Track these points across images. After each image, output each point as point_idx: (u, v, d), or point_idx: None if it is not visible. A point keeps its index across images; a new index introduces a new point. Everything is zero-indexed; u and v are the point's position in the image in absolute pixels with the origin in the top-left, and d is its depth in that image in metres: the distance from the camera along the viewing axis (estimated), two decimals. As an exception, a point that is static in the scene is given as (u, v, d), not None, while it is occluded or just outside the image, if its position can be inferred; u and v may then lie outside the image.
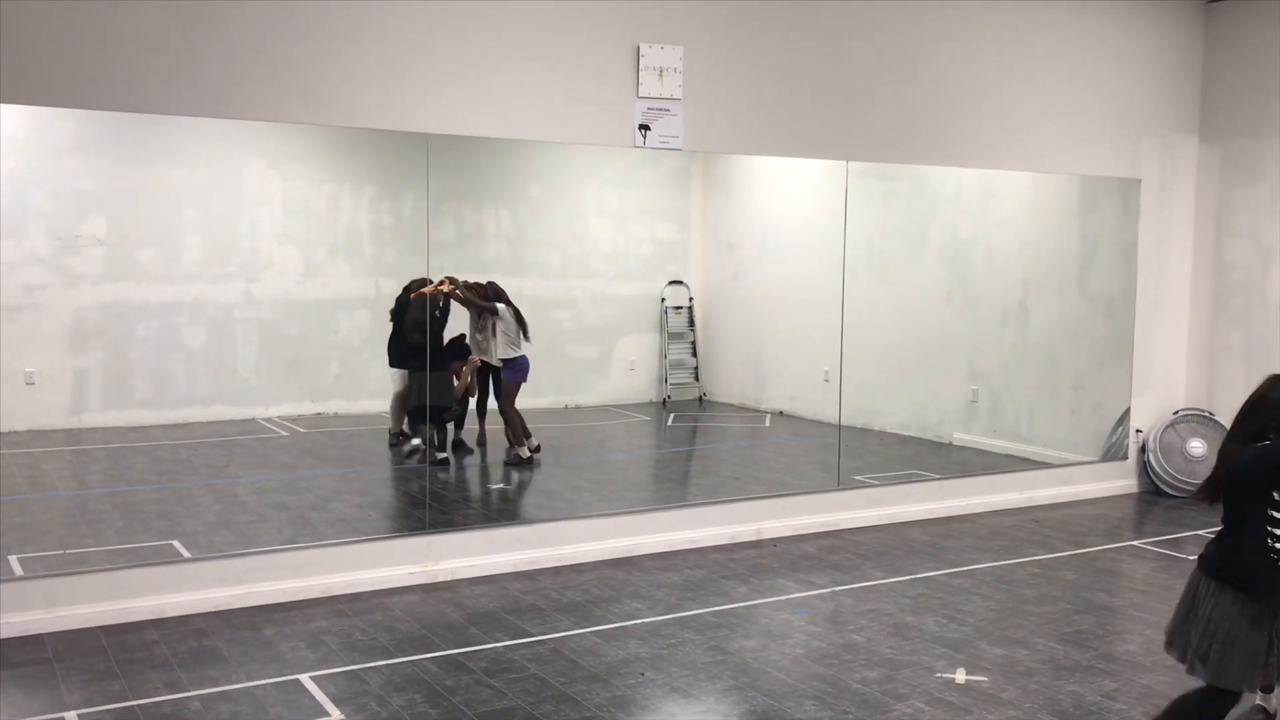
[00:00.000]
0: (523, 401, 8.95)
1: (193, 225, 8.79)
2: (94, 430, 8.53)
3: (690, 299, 10.47)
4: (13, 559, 6.20)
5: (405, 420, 8.55)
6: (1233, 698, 3.93)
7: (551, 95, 6.71)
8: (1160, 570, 7.00)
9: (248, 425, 8.98)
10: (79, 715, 4.63)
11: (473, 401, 8.88)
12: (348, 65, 6.14)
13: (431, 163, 6.82)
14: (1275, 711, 4.56)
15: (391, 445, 8.62)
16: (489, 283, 8.78)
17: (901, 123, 7.94)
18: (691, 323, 10.49)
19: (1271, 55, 8.76)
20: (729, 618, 5.96)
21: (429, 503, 7.38)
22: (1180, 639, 4.00)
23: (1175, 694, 4.90)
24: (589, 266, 10.21)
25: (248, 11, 5.88)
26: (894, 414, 9.83)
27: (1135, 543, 7.72)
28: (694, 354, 10.55)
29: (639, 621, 5.87)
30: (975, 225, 9.74)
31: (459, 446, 8.95)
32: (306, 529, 7.33)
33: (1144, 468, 9.26)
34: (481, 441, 8.88)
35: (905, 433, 9.85)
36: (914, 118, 7.98)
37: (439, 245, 8.44)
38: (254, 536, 6.92)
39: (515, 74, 6.58)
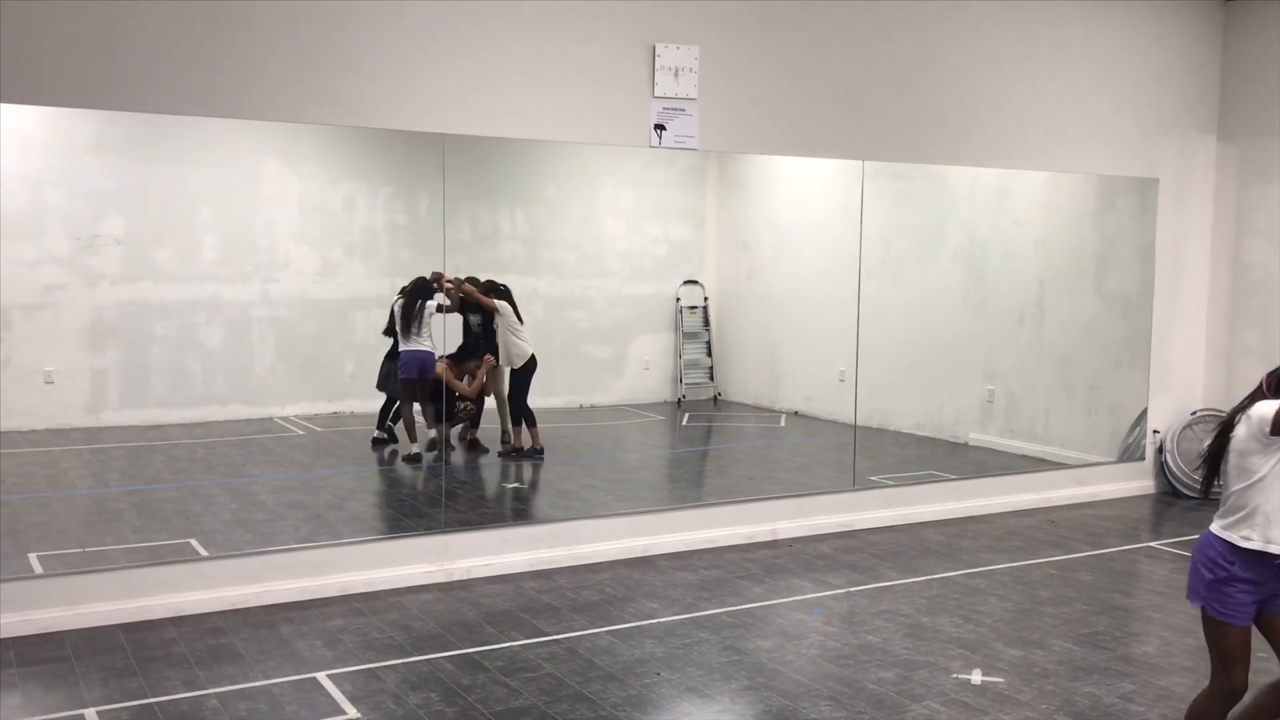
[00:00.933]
0: (537, 401, 8.98)
1: (210, 225, 8.84)
2: (112, 429, 8.58)
3: (705, 298, 10.48)
4: (32, 556, 6.24)
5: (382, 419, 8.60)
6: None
7: (567, 95, 6.72)
8: (1177, 571, 6.96)
9: (264, 424, 9.02)
10: (98, 712, 4.66)
11: (490, 402, 8.89)
12: (364, 66, 6.16)
13: (447, 163, 6.84)
14: None
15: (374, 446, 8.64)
16: (487, 281, 8.75)
17: (917, 122, 7.92)
18: (706, 322, 10.49)
19: (1290, 54, 8.71)
20: (744, 618, 5.96)
21: (445, 502, 7.40)
22: None
23: (1192, 695, 4.89)
24: (604, 266, 10.22)
25: (264, 12, 5.90)
26: (909, 414, 9.81)
27: (1152, 544, 7.69)
28: (709, 354, 10.55)
29: (654, 621, 5.88)
30: (991, 225, 9.72)
31: (474, 445, 8.97)
32: (323, 528, 7.36)
33: (1161, 468, 9.22)
34: (505, 441, 8.89)
35: (921, 433, 9.83)
36: (929, 117, 7.96)
37: (454, 245, 8.45)
38: (271, 535, 6.95)
39: (531, 74, 6.59)
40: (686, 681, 5.07)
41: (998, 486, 8.64)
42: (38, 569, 6.07)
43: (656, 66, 6.91)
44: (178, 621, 5.76)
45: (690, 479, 9.55)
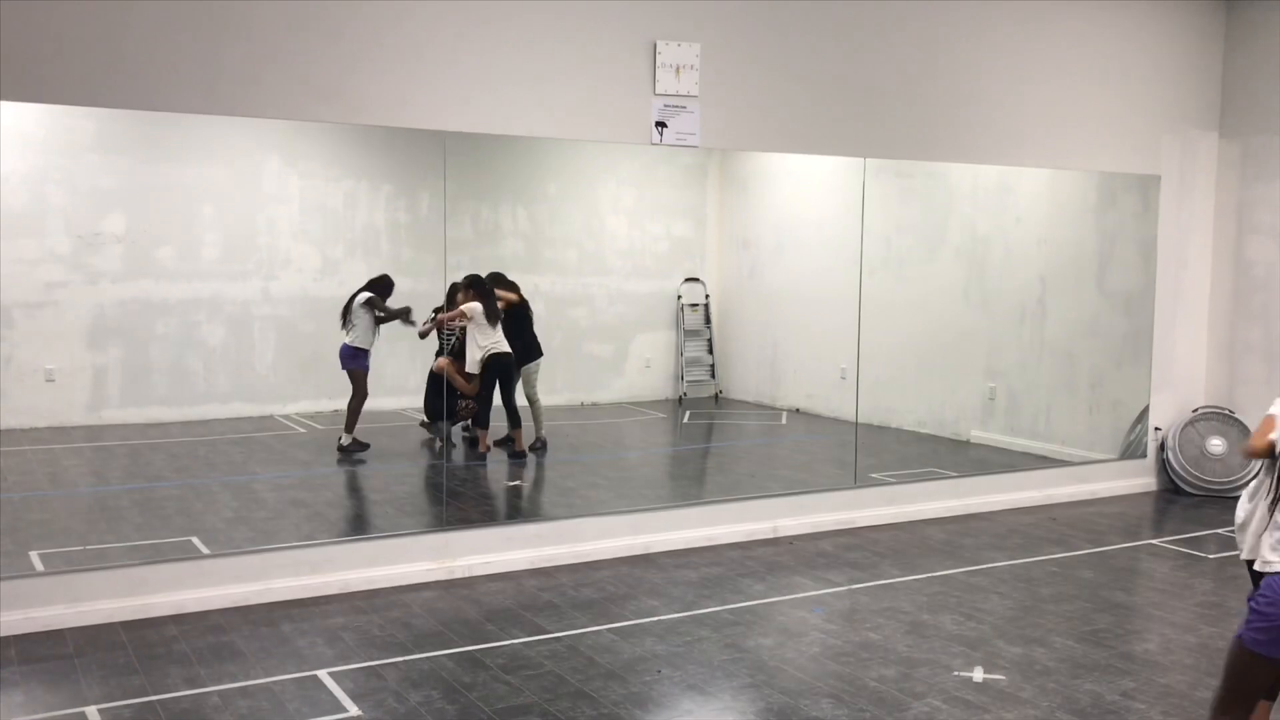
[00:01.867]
0: (540, 397, 8.98)
1: (211, 223, 8.84)
2: (113, 427, 8.59)
3: (706, 296, 10.48)
4: (34, 554, 6.24)
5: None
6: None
7: (568, 93, 6.71)
8: (1179, 569, 6.96)
9: (266, 422, 9.03)
10: (99, 710, 4.66)
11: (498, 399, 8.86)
12: (365, 64, 6.15)
13: (448, 161, 6.84)
14: None
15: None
16: (492, 274, 8.73)
17: (919, 119, 7.92)
18: (708, 320, 10.49)
19: (1292, 50, 8.70)
20: (745, 615, 5.96)
21: (446, 500, 7.40)
22: None
23: (1193, 693, 4.89)
24: (605, 264, 10.23)
25: (266, 10, 5.89)
26: (911, 411, 9.81)
27: (1154, 541, 7.68)
28: (710, 351, 10.55)
29: (655, 619, 5.88)
30: (993, 222, 9.71)
31: (473, 444, 8.96)
32: (324, 525, 7.36)
33: (1163, 466, 9.21)
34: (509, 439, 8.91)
35: (922, 430, 9.83)
36: (931, 114, 7.95)
37: (456, 243, 8.46)
38: (272, 533, 6.95)
39: (532, 72, 6.58)
40: (688, 679, 5.07)
41: (999, 484, 8.63)
42: (39, 567, 6.07)
43: (658, 64, 6.90)
44: (179, 619, 5.76)
45: (691, 477, 9.55)
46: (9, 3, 5.33)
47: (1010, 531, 7.80)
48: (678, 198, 10.48)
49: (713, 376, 10.57)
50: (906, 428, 9.79)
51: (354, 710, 4.68)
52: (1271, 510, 3.63)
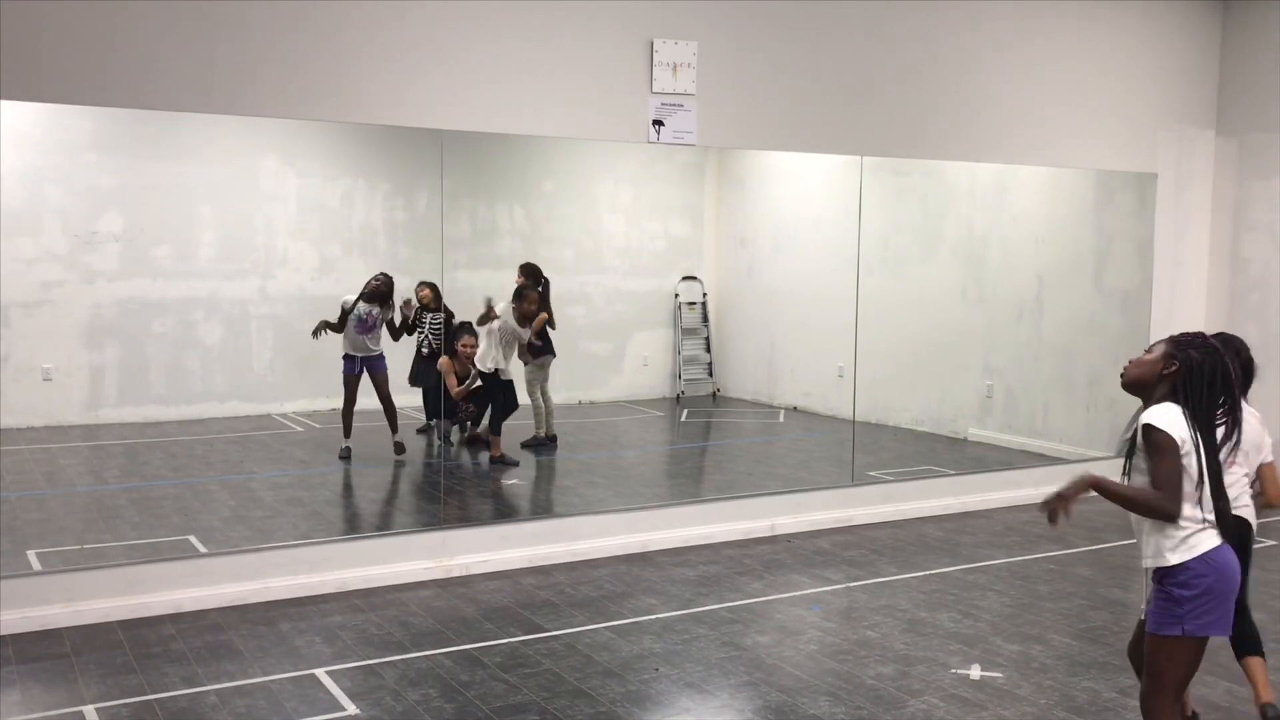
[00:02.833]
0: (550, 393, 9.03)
1: (208, 222, 8.84)
2: (110, 426, 8.59)
3: (704, 294, 10.47)
4: (31, 554, 6.24)
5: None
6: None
7: (565, 91, 6.71)
8: (1176, 566, 6.96)
9: (263, 421, 9.03)
10: (96, 709, 4.66)
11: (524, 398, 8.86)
12: (362, 62, 6.15)
13: (445, 159, 6.83)
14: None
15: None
16: (527, 265, 8.76)
17: (916, 117, 7.92)
18: (705, 318, 10.49)
19: (1289, 48, 8.71)
20: (743, 613, 5.96)
21: (443, 498, 7.40)
22: None
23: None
24: (603, 262, 10.22)
25: (263, 9, 5.89)
26: (908, 409, 9.81)
27: (1151, 539, 7.68)
28: (708, 349, 10.54)
29: (653, 617, 5.88)
30: (990, 220, 9.71)
31: (474, 441, 8.96)
32: (322, 524, 7.36)
33: (1160, 463, 9.20)
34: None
35: (920, 428, 9.83)
36: (929, 112, 7.96)
37: (453, 241, 8.46)
38: (269, 532, 6.95)
39: (529, 70, 6.58)
40: (685, 677, 5.07)
41: (996, 482, 8.64)
42: (36, 566, 6.07)
43: (655, 62, 6.90)
44: (176, 618, 5.76)
45: (689, 475, 9.55)
46: (7, 2, 5.33)
47: (1007, 529, 7.80)
48: (675, 196, 10.47)
49: (710, 375, 10.57)
50: (904, 426, 9.80)
51: (352, 709, 4.69)
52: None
